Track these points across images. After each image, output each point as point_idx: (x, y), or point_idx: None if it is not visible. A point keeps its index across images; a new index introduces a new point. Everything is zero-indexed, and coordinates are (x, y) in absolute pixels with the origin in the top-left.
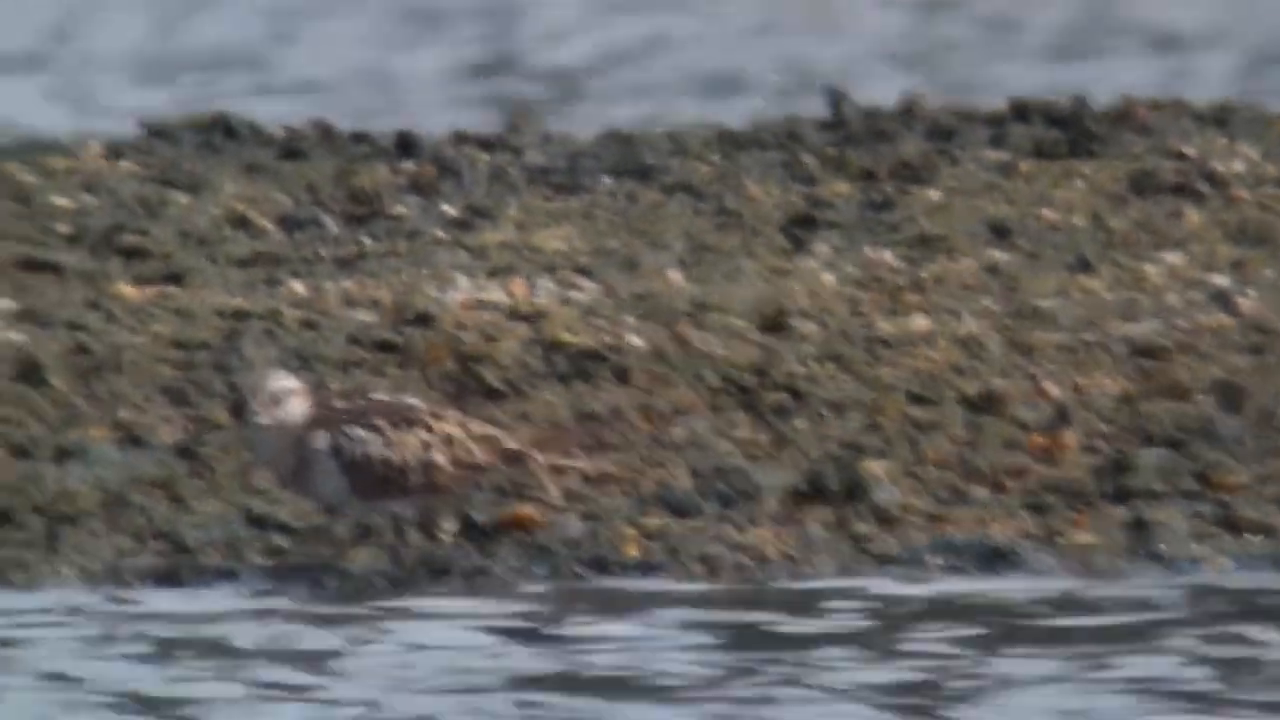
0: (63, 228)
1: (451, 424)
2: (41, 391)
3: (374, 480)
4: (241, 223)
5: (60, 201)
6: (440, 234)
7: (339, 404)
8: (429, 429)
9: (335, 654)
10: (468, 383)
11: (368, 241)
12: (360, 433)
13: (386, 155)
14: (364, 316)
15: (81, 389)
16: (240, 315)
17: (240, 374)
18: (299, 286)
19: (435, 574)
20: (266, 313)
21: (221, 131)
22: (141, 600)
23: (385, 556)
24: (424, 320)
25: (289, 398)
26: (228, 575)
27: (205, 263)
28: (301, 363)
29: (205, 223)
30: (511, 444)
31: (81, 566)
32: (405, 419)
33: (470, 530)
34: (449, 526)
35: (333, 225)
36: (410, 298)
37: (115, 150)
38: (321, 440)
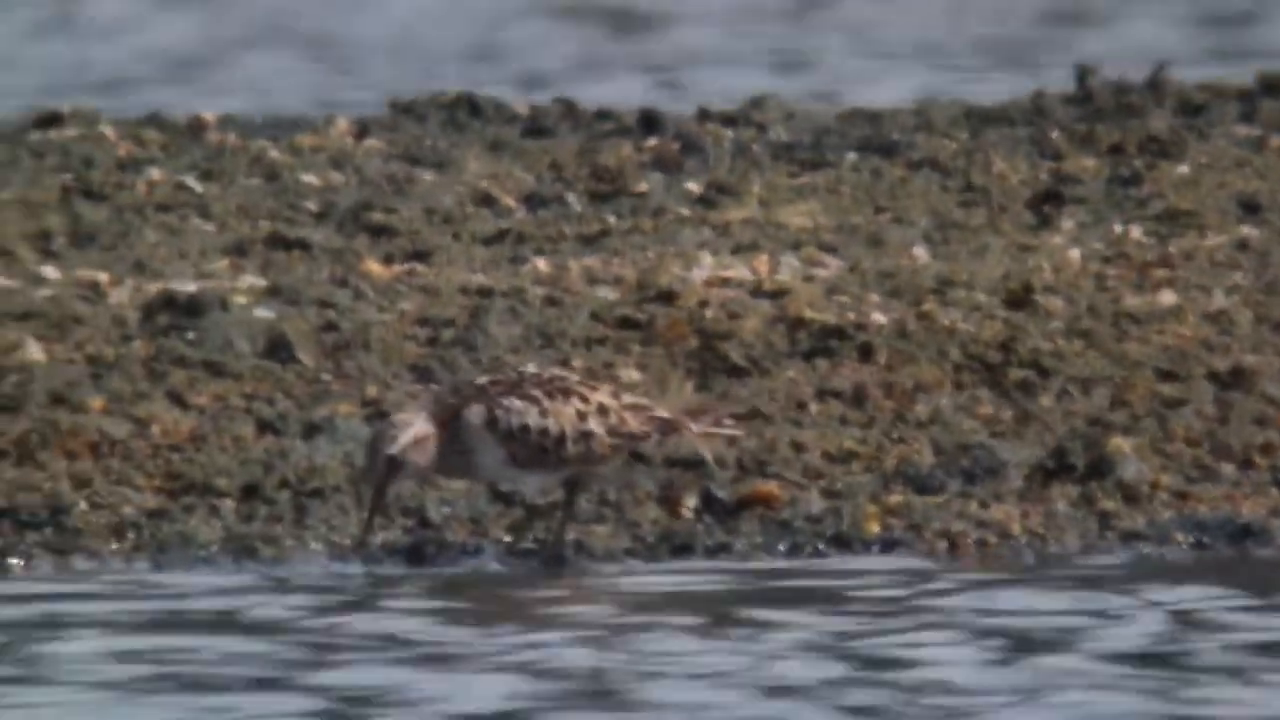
0: (311, 205)
1: (604, 394)
2: (290, 368)
3: (531, 451)
4: (486, 200)
5: (308, 179)
6: (684, 211)
7: (487, 379)
8: (584, 399)
9: (569, 627)
10: (710, 360)
11: (611, 219)
12: (517, 403)
13: (630, 132)
14: (607, 294)
15: (329, 365)
16: (485, 292)
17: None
18: (543, 264)
19: (677, 550)
20: (510, 290)
21: (466, 109)
22: (388, 574)
23: (626, 533)
24: (667, 297)
25: (426, 444)
26: (472, 551)
27: (450, 240)
28: (544, 340)
29: (451, 200)
30: (663, 413)
31: (329, 541)
32: (560, 390)
33: (712, 506)
34: (691, 502)
35: (576, 202)
36: (653, 275)
37: (362, 128)
38: (477, 414)
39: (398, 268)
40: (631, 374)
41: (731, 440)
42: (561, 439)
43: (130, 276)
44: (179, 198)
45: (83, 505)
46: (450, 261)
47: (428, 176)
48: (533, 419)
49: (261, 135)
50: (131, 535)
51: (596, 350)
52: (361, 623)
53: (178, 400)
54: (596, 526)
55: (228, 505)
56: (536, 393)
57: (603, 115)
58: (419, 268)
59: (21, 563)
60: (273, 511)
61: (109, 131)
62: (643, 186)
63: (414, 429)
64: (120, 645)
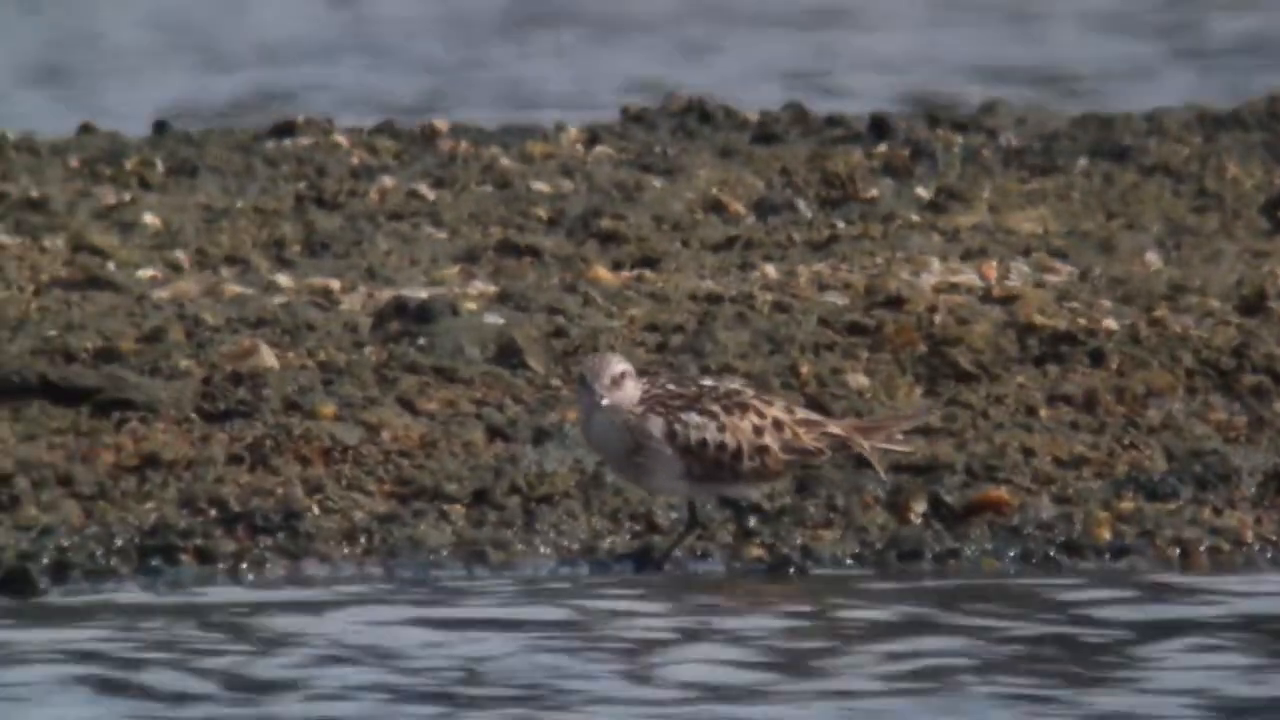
0: (541, 212)
1: (779, 409)
2: (519, 373)
3: (708, 465)
4: (716, 207)
5: (539, 186)
6: (913, 216)
7: (672, 388)
8: (760, 414)
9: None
10: (939, 366)
11: (840, 224)
12: (696, 418)
13: (860, 138)
14: (836, 299)
15: (559, 371)
16: (713, 298)
17: (581, 359)
18: (771, 270)
19: (904, 556)
20: (739, 296)
21: (697, 116)
22: (617, 578)
23: (854, 538)
24: (896, 303)
25: (626, 381)
26: (698, 555)
27: (680, 246)
28: (773, 345)
29: (680, 207)
30: (835, 429)
31: (558, 546)
32: (737, 404)
33: (940, 511)
34: (919, 508)
35: (806, 209)
36: (882, 280)
37: (593, 135)
38: (657, 426)
39: (627, 274)
40: (860, 379)
41: (961, 445)
42: (738, 454)
43: (362, 283)
44: (411, 205)
45: (315, 510)
46: (679, 268)
47: (657, 183)
48: (710, 434)
49: (493, 143)
50: (363, 540)
51: (825, 356)
52: (597, 621)
53: (408, 406)
54: (824, 531)
55: (457, 510)
56: (715, 408)
57: (833, 121)
58: (648, 274)
59: (254, 567)
60: (502, 517)
61: (342, 140)
62: (872, 192)
63: (632, 377)
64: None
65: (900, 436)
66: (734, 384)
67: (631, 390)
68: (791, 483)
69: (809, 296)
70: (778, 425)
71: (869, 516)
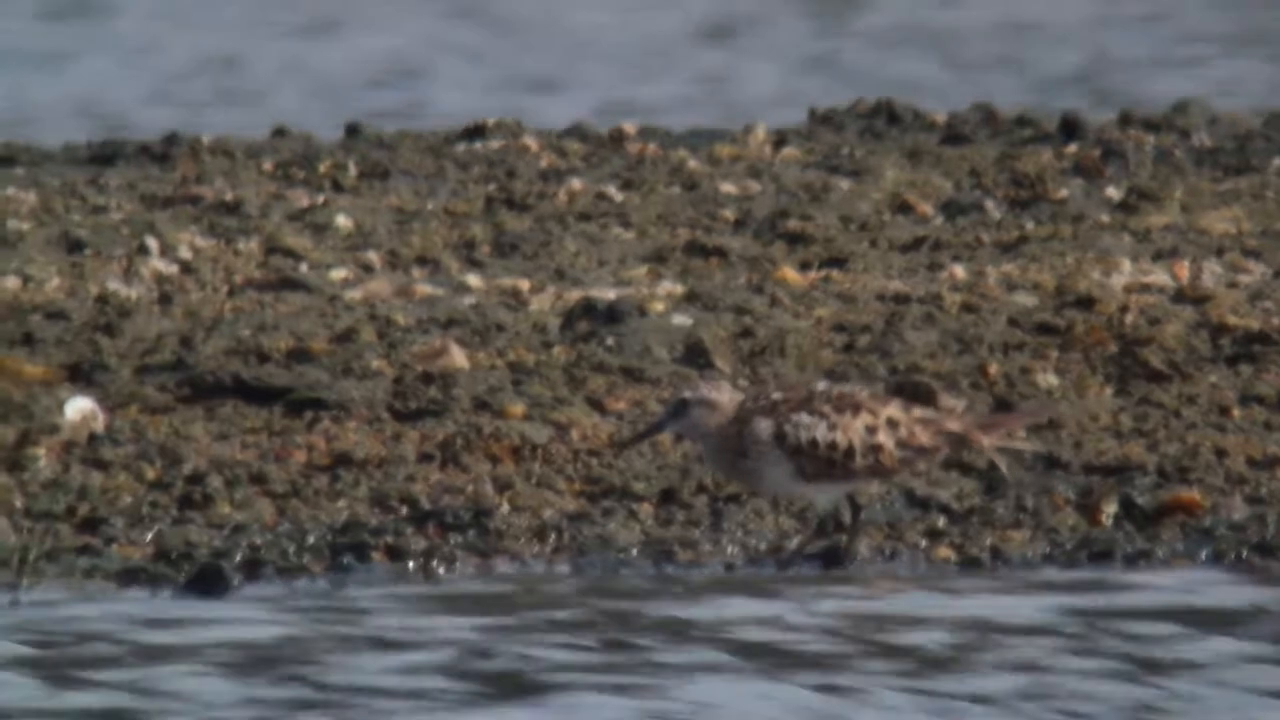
0: (729, 213)
1: (894, 408)
2: (706, 373)
3: (819, 464)
4: (903, 207)
5: (727, 187)
6: (1103, 217)
7: (779, 395)
8: (873, 413)
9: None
10: (1130, 366)
11: (1029, 225)
12: (805, 418)
13: (1050, 138)
14: (1024, 300)
15: (745, 371)
16: (901, 299)
17: (684, 386)
18: (960, 270)
19: (1095, 557)
20: (927, 296)
21: (885, 117)
22: (805, 576)
23: (1044, 539)
24: (1086, 303)
25: (724, 405)
26: (888, 555)
27: (867, 247)
28: (961, 345)
29: (868, 208)
30: (954, 426)
31: (745, 545)
32: (850, 404)
33: (1132, 513)
34: (1110, 509)
35: (995, 209)
36: (1072, 281)
37: (781, 137)
38: (765, 429)
39: (814, 274)
40: (1049, 379)
41: (1152, 446)
42: (850, 452)
43: (551, 284)
44: (599, 207)
45: (505, 508)
46: (867, 268)
47: (845, 184)
48: (820, 433)
49: (680, 145)
50: (552, 538)
51: (1013, 356)
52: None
53: (597, 405)
54: (1013, 532)
55: (646, 509)
56: (825, 408)
57: (1022, 122)
58: (835, 274)
59: (445, 565)
60: (690, 516)
61: (531, 142)
62: (1062, 193)
63: (717, 393)
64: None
65: (1021, 434)
66: (849, 388)
67: (714, 419)
68: (980, 483)
69: (998, 297)
70: (892, 423)
71: (1059, 517)
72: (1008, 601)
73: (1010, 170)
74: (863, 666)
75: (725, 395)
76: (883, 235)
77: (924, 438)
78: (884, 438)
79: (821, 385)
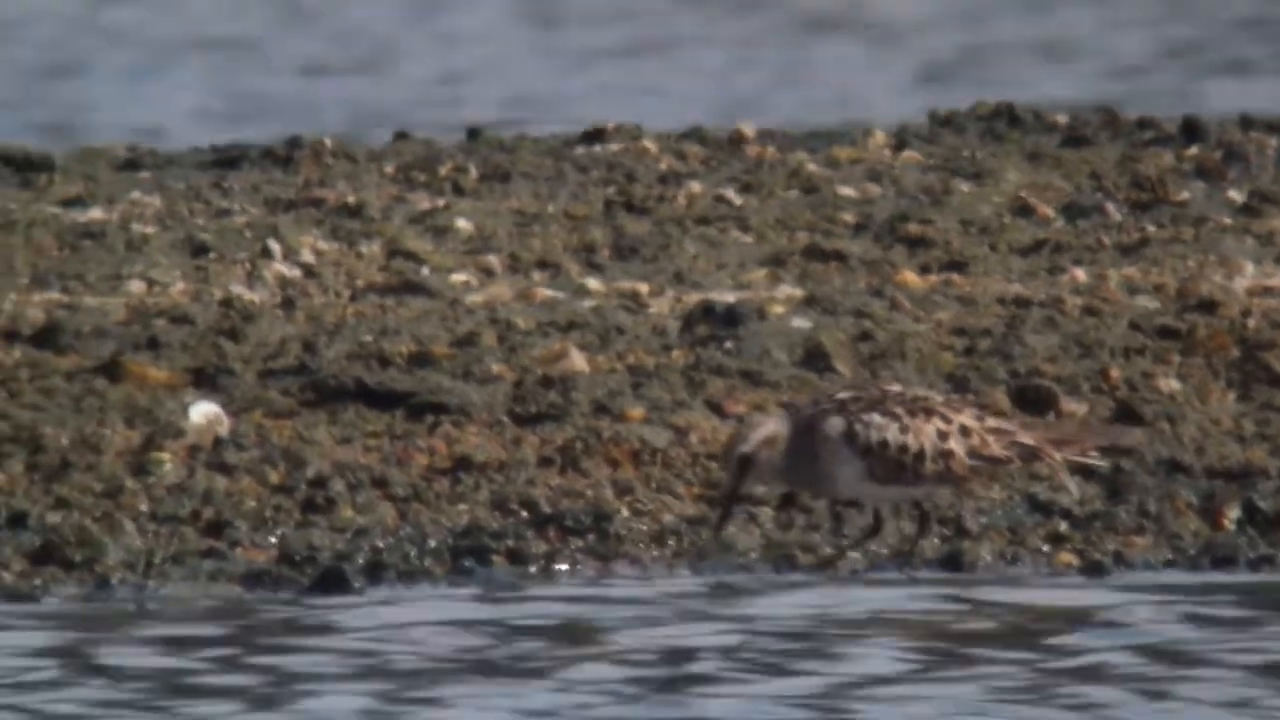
0: (848, 216)
1: (967, 416)
2: (826, 377)
3: (890, 466)
4: (1024, 210)
5: (846, 190)
6: (1225, 219)
7: (848, 395)
8: (946, 419)
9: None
10: (1253, 370)
11: (1151, 228)
12: (877, 419)
13: (1171, 140)
14: (1146, 303)
15: (866, 375)
16: (1022, 302)
17: (736, 441)
18: (1081, 273)
19: (1218, 562)
20: (1048, 299)
21: (1005, 119)
22: (927, 580)
23: (1166, 544)
24: (1208, 307)
25: (779, 432)
26: (1009, 559)
27: (987, 250)
28: (1082, 349)
29: (988, 210)
30: (1026, 439)
31: (866, 550)
32: (923, 409)
33: (1255, 518)
34: (1232, 514)
35: (1115, 212)
36: (1194, 284)
37: (901, 140)
38: (835, 427)
39: (934, 278)
40: (1171, 384)
41: (1275, 451)
42: (920, 456)
43: (670, 287)
44: (718, 210)
45: (624, 512)
46: (987, 271)
47: (965, 187)
48: (892, 435)
49: (800, 148)
50: (672, 542)
51: (1135, 360)
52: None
53: (716, 409)
54: (1136, 538)
55: (766, 513)
56: (898, 409)
57: (1143, 124)
58: (955, 278)
59: (566, 568)
60: (810, 520)
61: (650, 145)
62: (1184, 195)
63: (765, 429)
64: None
65: (1095, 452)
66: (922, 391)
67: (777, 449)
68: (1102, 488)
69: (1119, 300)
70: (965, 431)
71: (1182, 522)
72: (1129, 606)
73: (1131, 173)
74: (990, 670)
75: (774, 424)
76: (1003, 238)
77: (996, 448)
78: (955, 444)
79: (895, 387)
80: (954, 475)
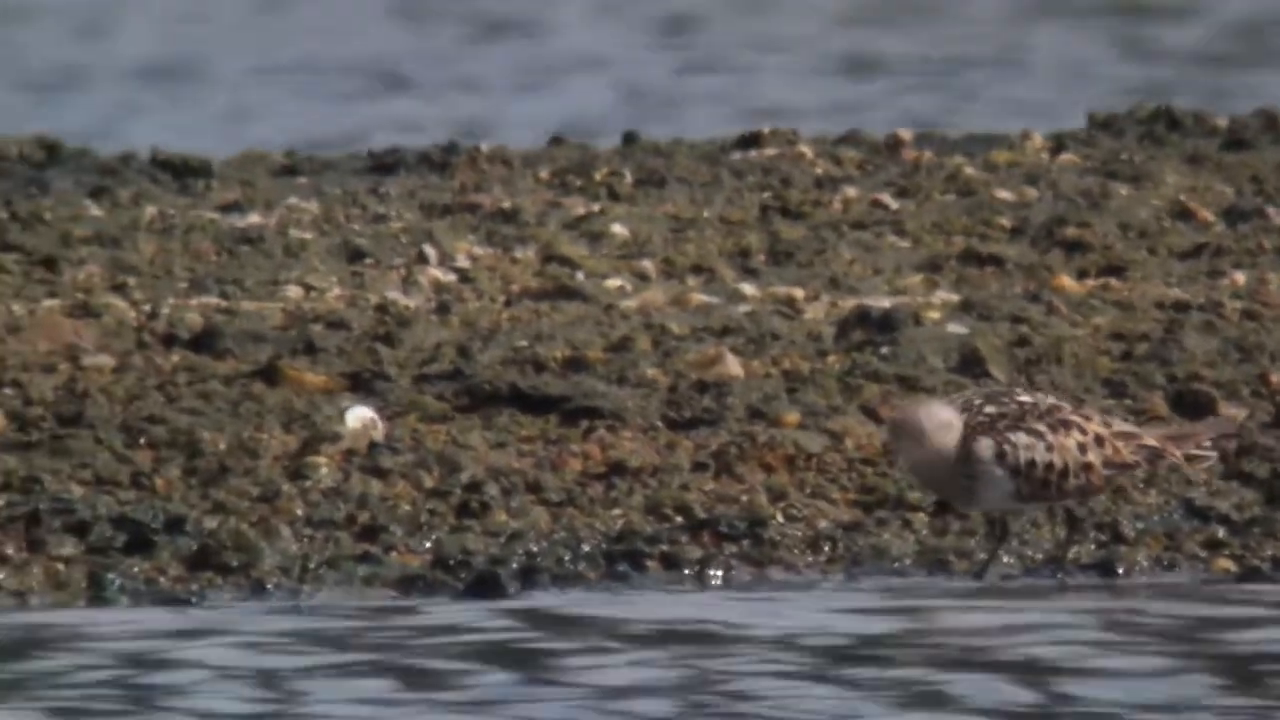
0: (1005, 220)
1: (1097, 424)
2: (982, 382)
3: (1038, 484)
4: (1183, 214)
5: (1003, 194)
6: None
7: (991, 409)
8: (1082, 430)
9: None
10: None
11: None
12: (1024, 438)
13: None
14: None
15: (1022, 380)
16: (1181, 307)
17: (902, 408)
18: (1241, 277)
19: None
20: (1207, 304)
21: (1165, 122)
22: (1082, 585)
23: None
24: None
25: (951, 430)
26: (1165, 565)
27: (1146, 254)
28: (1241, 353)
29: (1147, 214)
30: (1150, 440)
31: (1021, 554)
32: (1061, 422)
33: None
34: None
35: (1276, 215)
36: None
37: (1059, 143)
38: (987, 449)
39: (1091, 282)
40: None
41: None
42: (1065, 473)
43: (825, 292)
44: (874, 214)
45: (779, 518)
46: (1145, 276)
47: (1123, 190)
48: (1039, 454)
49: (957, 152)
50: (826, 548)
51: None
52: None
53: (871, 414)
54: None
55: (920, 519)
56: (1041, 426)
57: None
58: (1113, 282)
59: (721, 573)
60: (965, 526)
61: (807, 150)
62: None
63: (946, 415)
64: None
65: (1208, 443)
66: (1048, 398)
67: (953, 438)
68: (1261, 493)
69: (1279, 304)
70: (1099, 441)
71: None
72: None
73: None
74: (1161, 680)
75: (953, 414)
76: (1162, 242)
77: (1127, 455)
78: (1093, 456)
79: (1023, 396)
80: (1093, 487)
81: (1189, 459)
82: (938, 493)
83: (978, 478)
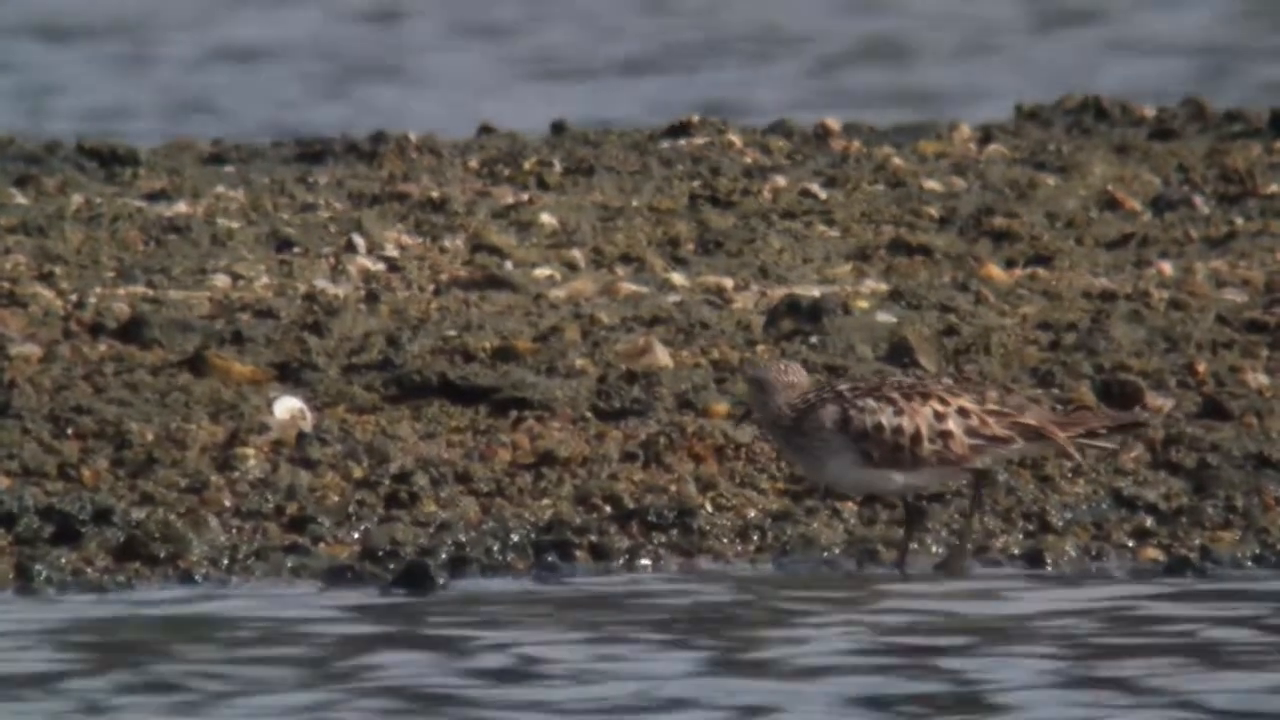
0: (933, 210)
1: (966, 399)
2: (908, 371)
3: (886, 450)
4: (1110, 204)
5: (931, 184)
6: None
7: (848, 385)
8: (943, 401)
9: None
10: None
11: (1239, 221)
12: (871, 403)
13: (1259, 134)
14: (1234, 296)
15: (950, 369)
16: (1107, 296)
17: (755, 368)
18: (1167, 267)
19: None
20: (1134, 293)
21: (1092, 113)
22: (1008, 574)
23: (1255, 539)
24: None
25: (795, 390)
26: (1094, 555)
27: (1073, 244)
28: (1168, 343)
29: (1074, 204)
30: (1029, 420)
31: (949, 544)
32: (919, 392)
33: None
34: None
35: (1203, 205)
36: None
37: (986, 134)
38: (829, 416)
39: (1019, 272)
40: (1259, 378)
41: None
42: (918, 438)
43: (755, 282)
44: (803, 204)
45: (708, 507)
46: (1073, 265)
47: (1051, 181)
48: (887, 418)
49: (885, 142)
50: (755, 537)
51: (1222, 354)
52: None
53: None
54: (1223, 533)
55: (850, 508)
56: (895, 395)
57: (1231, 116)
58: (1041, 272)
59: (649, 563)
60: (894, 515)
61: (736, 139)
62: (1272, 188)
63: (793, 375)
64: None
65: (1103, 432)
66: (926, 379)
67: (799, 394)
68: (1188, 483)
69: (1206, 294)
70: (963, 412)
71: (1270, 517)
72: (1217, 602)
73: (1219, 166)
74: (1089, 663)
75: (802, 375)
76: (1089, 232)
77: (996, 428)
78: (953, 425)
79: (895, 377)
80: (955, 455)
81: (1080, 446)
82: (791, 460)
83: (822, 445)
